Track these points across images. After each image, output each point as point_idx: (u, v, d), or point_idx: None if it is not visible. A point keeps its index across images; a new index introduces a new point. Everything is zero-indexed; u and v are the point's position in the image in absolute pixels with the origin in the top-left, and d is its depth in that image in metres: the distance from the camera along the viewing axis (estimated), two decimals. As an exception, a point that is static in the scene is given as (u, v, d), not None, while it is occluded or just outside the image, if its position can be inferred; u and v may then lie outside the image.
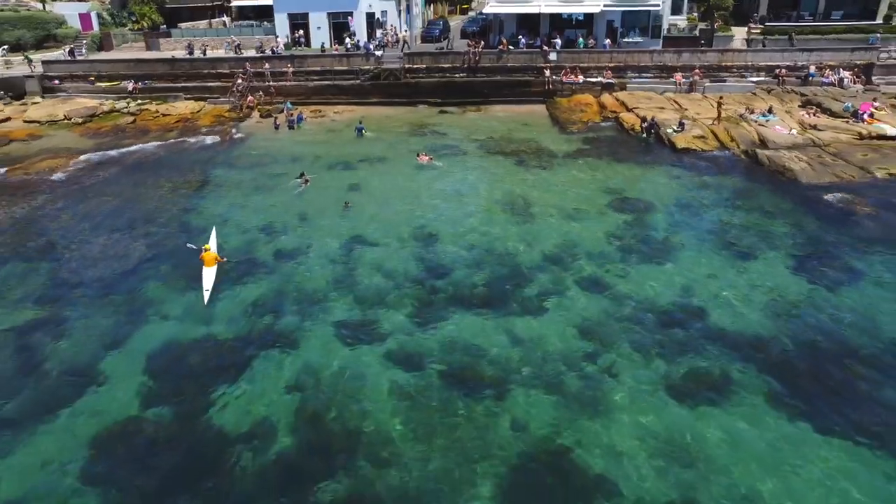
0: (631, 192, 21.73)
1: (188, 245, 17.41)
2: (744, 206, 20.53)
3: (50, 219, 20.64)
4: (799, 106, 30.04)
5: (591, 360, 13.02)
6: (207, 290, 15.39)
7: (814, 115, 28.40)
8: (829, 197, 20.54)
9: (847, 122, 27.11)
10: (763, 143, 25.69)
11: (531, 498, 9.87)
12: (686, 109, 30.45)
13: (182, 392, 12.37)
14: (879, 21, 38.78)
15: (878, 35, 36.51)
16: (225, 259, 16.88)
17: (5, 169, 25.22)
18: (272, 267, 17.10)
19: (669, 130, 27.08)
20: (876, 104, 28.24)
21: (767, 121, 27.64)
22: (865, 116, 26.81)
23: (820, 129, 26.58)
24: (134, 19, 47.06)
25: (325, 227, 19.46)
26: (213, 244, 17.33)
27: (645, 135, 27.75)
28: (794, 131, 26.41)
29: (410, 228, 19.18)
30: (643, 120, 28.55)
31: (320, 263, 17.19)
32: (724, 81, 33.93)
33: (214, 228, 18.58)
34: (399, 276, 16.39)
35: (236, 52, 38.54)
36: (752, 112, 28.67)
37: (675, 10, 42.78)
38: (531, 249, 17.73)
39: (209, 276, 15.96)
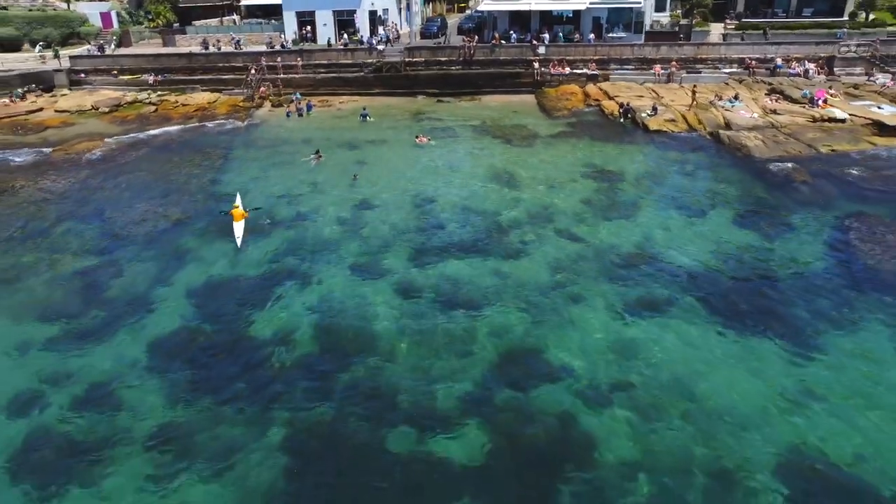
0: (605, 166, 24.65)
1: (221, 212, 20.26)
2: (702, 176, 23.47)
3: (94, 189, 23.57)
4: (765, 94, 32.91)
5: (560, 288, 15.91)
6: (239, 238, 18.35)
7: (776, 101, 31.28)
8: (775, 168, 23.47)
9: (804, 107, 30.02)
10: (727, 125, 28.61)
11: (506, 383, 12.70)
12: (662, 97, 33.35)
13: (221, 311, 15.27)
14: (846, 18, 41.62)
15: (845, 30, 39.42)
16: (250, 211, 19.80)
17: (50, 149, 28.18)
18: (291, 223, 20.02)
19: (643, 115, 30.00)
20: (831, 91, 31.19)
21: (733, 106, 30.56)
22: (820, 102, 29.71)
23: (779, 114, 29.50)
24: (150, 17, 50.02)
25: (335, 194, 22.38)
26: (239, 202, 20.24)
27: (622, 119, 30.68)
28: (755, 115, 29.34)
29: (409, 194, 22.12)
30: (621, 106, 31.48)
31: (332, 220, 20.11)
32: (700, 72, 36.82)
33: (238, 193, 21.48)
34: (399, 229, 19.33)
35: (235, 48, 41.48)
36: (720, 99, 31.61)
37: (659, 7, 45.58)
38: (514, 209, 20.67)
39: (239, 228, 18.91)
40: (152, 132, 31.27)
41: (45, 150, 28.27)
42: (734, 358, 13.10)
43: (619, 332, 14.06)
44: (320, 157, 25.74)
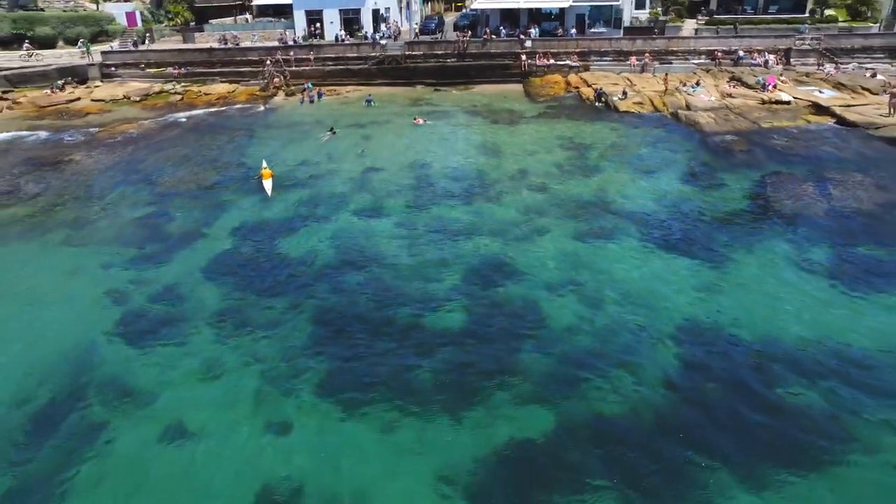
0: (576, 139, 28.79)
1: (252, 177, 24.38)
2: (658, 146, 27.60)
3: (139, 160, 27.75)
4: (727, 81, 37.04)
5: (527, 223, 20.01)
6: (269, 190, 22.54)
7: (733, 87, 35.42)
8: (720, 139, 27.61)
9: (756, 91, 34.14)
10: (688, 107, 32.72)
11: (482, 281, 16.70)
12: (635, 85, 37.47)
13: (257, 240, 19.34)
14: (807, 14, 45.73)
15: (807, 26, 43.54)
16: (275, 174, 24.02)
17: (96, 129, 32.45)
18: (310, 183, 24.19)
19: (615, 98, 34.16)
20: (782, 78, 35.35)
21: (695, 91, 34.70)
22: (770, 87, 33.85)
23: (734, 98, 33.63)
24: (169, 17, 54.31)
25: (346, 162, 26.54)
26: (265, 165, 24.42)
27: (597, 102, 34.85)
28: (713, 98, 33.50)
29: (407, 161, 26.29)
30: (596, 91, 35.64)
31: (343, 179, 24.28)
32: (671, 63, 40.93)
33: (264, 159, 25.61)
34: (398, 185, 23.49)
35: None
36: (685, 85, 35.74)
37: (639, 5, 49.82)
38: (495, 171, 24.82)
39: (268, 184, 23.10)
40: (181, 115, 35.53)
41: (91, 130, 32.52)
42: (661, 265, 17.17)
43: (572, 250, 18.14)
44: (335, 133, 29.97)
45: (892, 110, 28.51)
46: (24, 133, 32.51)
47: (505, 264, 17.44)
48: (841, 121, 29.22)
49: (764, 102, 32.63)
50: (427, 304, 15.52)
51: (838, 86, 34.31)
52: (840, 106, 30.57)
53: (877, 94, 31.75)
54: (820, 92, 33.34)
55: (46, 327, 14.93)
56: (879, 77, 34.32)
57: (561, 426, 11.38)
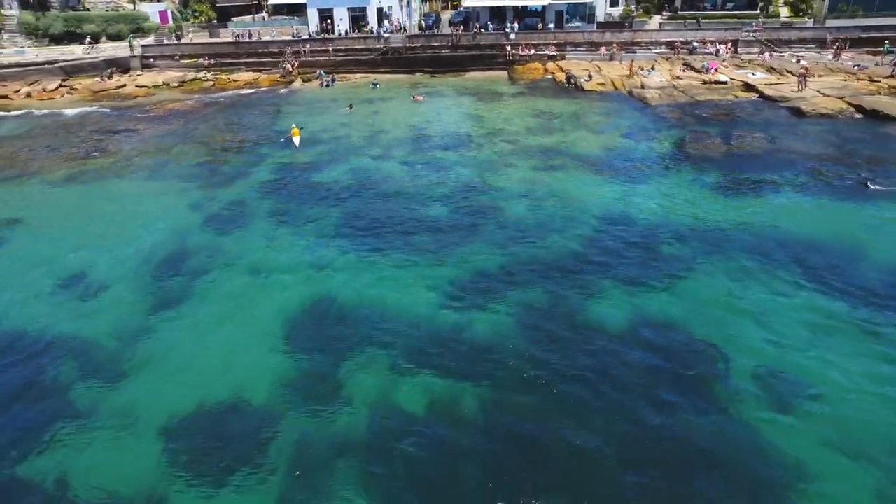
0: (545, 110, 35.55)
1: (284, 137, 31.18)
2: (610, 115, 34.34)
3: (192, 127, 34.59)
4: (680, 67, 43.75)
5: (499, 161, 26.74)
6: (297, 144, 29.37)
7: (683, 71, 42.16)
8: (660, 110, 34.36)
9: (701, 74, 40.85)
10: (642, 86, 39.43)
11: (462, 193, 23.33)
12: (603, 70, 44.16)
13: (291, 176, 26.02)
14: (758, 10, 52.44)
15: (761, 20, 50.25)
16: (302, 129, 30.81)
17: (149, 106, 39.33)
18: (329, 140, 30.97)
19: (581, 80, 40.90)
20: (724, 63, 42.06)
21: (650, 75, 41.43)
22: (711, 70, 40.57)
23: (682, 79, 40.36)
24: (195, 15, 61.22)
25: (358, 129, 33.29)
26: (294, 126, 31.22)
27: (567, 83, 41.59)
28: (664, 80, 40.20)
29: (407, 126, 33.09)
30: (567, 76, 42.41)
31: (356, 138, 31.09)
32: (635, 52, 47.66)
33: (294, 123, 32.35)
34: (401, 140, 30.31)
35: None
36: (643, 69, 42.48)
37: (613, 2, 56.57)
38: (476, 131, 31.62)
39: (297, 140, 29.91)
40: (217, 96, 42.43)
41: (145, 107, 39.42)
42: (591, 184, 23.81)
43: (530, 177, 24.84)
44: (352, 107, 36.79)
45: (800, 87, 35.21)
46: (91, 109, 39.47)
47: (479, 184, 24.26)
48: (762, 95, 35.94)
49: (705, 83, 39.32)
50: (421, 204, 22.30)
51: (770, 69, 41.02)
52: (764, 84, 37.29)
53: (796, 75, 38.40)
54: (753, 74, 40.06)
55: (153, 223, 21.68)
56: (802, 62, 40.97)
57: (503, 258, 18.00)
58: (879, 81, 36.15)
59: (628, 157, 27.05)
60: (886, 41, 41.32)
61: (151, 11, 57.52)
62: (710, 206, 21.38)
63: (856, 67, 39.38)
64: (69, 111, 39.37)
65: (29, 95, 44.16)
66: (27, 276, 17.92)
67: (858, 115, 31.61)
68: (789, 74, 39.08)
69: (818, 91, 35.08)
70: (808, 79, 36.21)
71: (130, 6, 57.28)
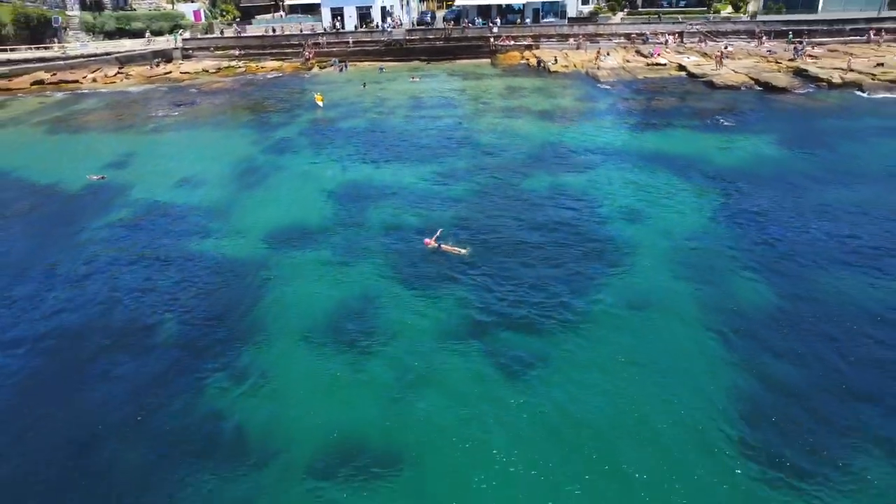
0: (517, 86, 45.24)
1: (309, 101, 40.89)
2: (567, 88, 44.03)
3: (236, 99, 44.38)
4: (632, 53, 53.42)
5: (476, 113, 36.35)
6: (321, 107, 39.15)
7: (634, 56, 51.84)
8: (606, 84, 44.02)
9: (646, 58, 50.52)
10: (597, 68, 49.08)
11: (447, 132, 32.91)
12: (569, 56, 53.83)
13: (316, 127, 35.70)
14: (705, 7, 62.13)
15: (710, 16, 59.96)
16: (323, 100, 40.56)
17: (196, 87, 49.15)
18: (347, 105, 40.69)
19: (549, 64, 50.61)
20: (667, 49, 51.75)
21: (606, 59, 51.13)
22: (654, 55, 50.26)
23: (630, 62, 50.05)
24: (223, 13, 71.12)
25: (368, 99, 43.02)
26: (319, 93, 40.96)
27: (538, 67, 51.33)
28: (615, 63, 49.89)
29: (408, 97, 42.80)
30: (537, 60, 52.18)
31: (368, 104, 40.83)
32: (598, 42, 57.35)
33: (317, 92, 42.04)
34: (401, 106, 40.03)
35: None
36: (598, 56, 52.19)
37: (585, 1, 66.36)
38: (462, 99, 41.37)
39: (321, 103, 39.68)
40: (250, 78, 52.27)
41: (194, 87, 49.26)
42: (542, 127, 33.39)
43: (497, 121, 34.46)
44: (365, 85, 46.61)
45: (717, 66, 44.90)
46: (150, 88, 49.46)
47: (458, 127, 34.07)
48: (689, 73, 45.59)
49: (648, 65, 49.02)
50: (415, 138, 32.02)
51: (703, 54, 50.69)
52: (692, 65, 46.97)
53: (714, 58, 48.07)
54: (688, 58, 49.75)
55: (229, 151, 31.27)
56: (729, 48, 50.65)
57: (468, 163, 27.52)
58: (781, 63, 45.82)
59: (569, 112, 36.75)
60: (790, 32, 51.05)
61: (187, 10, 67.37)
62: (618, 136, 31.10)
63: (768, 52, 49.09)
64: (133, 90, 49.30)
65: (94, 80, 53.95)
66: (154, 181, 27.58)
67: (757, 87, 41.25)
68: (717, 58, 48.70)
69: (733, 69, 44.76)
70: (725, 60, 45.91)
71: (169, 6, 67.16)
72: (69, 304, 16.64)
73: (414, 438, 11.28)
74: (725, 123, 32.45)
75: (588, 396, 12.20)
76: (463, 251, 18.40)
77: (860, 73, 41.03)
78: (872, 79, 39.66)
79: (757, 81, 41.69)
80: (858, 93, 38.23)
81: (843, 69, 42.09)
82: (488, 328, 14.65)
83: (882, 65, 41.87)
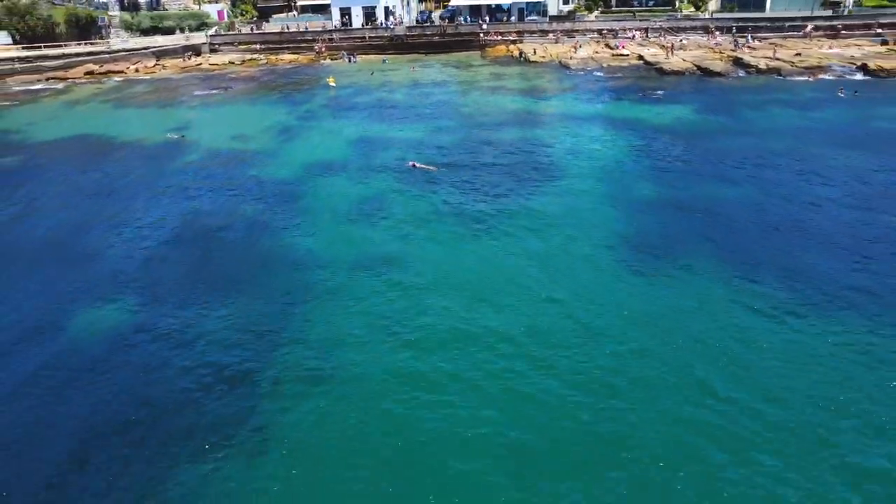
0: (501, 73, 53.96)
1: (323, 85, 49.62)
2: (541, 73, 52.75)
3: (264, 83, 53.13)
4: (602, 46, 62.14)
5: (465, 90, 45.07)
6: (333, 88, 47.95)
7: (602, 48, 60.56)
8: (575, 70, 52.73)
9: (612, 50, 59.24)
10: (570, 58, 57.76)
11: (442, 103, 41.55)
12: (548, 49, 62.55)
13: (332, 101, 44.39)
14: (672, 7, 70.88)
15: (678, 14, 68.70)
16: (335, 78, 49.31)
17: (227, 75, 57.94)
18: (357, 87, 49.42)
19: (528, 55, 59.33)
20: (632, 43, 60.51)
21: (578, 51, 59.87)
22: (619, 48, 58.99)
23: (598, 53, 58.78)
24: (242, 13, 79.95)
25: (375, 83, 51.76)
26: (331, 76, 49.75)
27: (519, 58, 60.08)
28: (585, 55, 58.62)
29: (408, 81, 51.55)
30: (519, 52, 60.95)
31: (374, 86, 49.58)
32: (574, 37, 66.08)
33: (331, 75, 50.74)
34: (402, 87, 48.79)
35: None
36: (573, 48, 60.94)
37: (565, 1, 75.15)
38: (455, 82, 50.12)
39: (332, 85, 48.48)
40: (272, 68, 61.04)
41: (225, 75, 58.03)
42: (517, 100, 42.06)
43: (480, 95, 43.10)
44: (373, 73, 55.40)
45: (668, 56, 53.63)
46: (188, 75, 58.40)
47: (449, 101, 42.76)
48: (646, 62, 54.28)
49: (614, 55, 57.74)
50: (414, 107, 40.65)
51: (662, 46, 59.39)
52: (650, 55, 55.69)
53: (665, 48, 56.73)
54: (647, 49, 58.47)
55: (265, 117, 39.90)
56: (684, 42, 59.37)
57: (456, 123, 36.18)
58: (724, 53, 54.56)
59: (539, 90, 45.49)
60: (734, 28, 59.83)
61: (212, 10, 76.22)
62: (575, 106, 39.79)
63: (716, 45, 57.84)
64: (173, 77, 58.18)
65: (136, 70, 62.72)
66: (214, 137, 36.13)
67: (698, 72, 49.92)
68: (668, 49, 57.49)
69: (682, 58, 53.49)
70: (677, 51, 54.67)
71: (196, 7, 75.99)
72: (178, 210, 25.31)
73: (404, 257, 19.81)
74: (662, 97, 41.18)
75: (519, 242, 20.65)
76: (433, 168, 27.20)
77: (783, 60, 49.75)
78: (791, 66, 48.37)
79: (699, 67, 50.38)
80: (777, 76, 46.97)
81: (770, 58, 50.81)
82: (447, 205, 23.27)
83: (799, 54, 50.57)
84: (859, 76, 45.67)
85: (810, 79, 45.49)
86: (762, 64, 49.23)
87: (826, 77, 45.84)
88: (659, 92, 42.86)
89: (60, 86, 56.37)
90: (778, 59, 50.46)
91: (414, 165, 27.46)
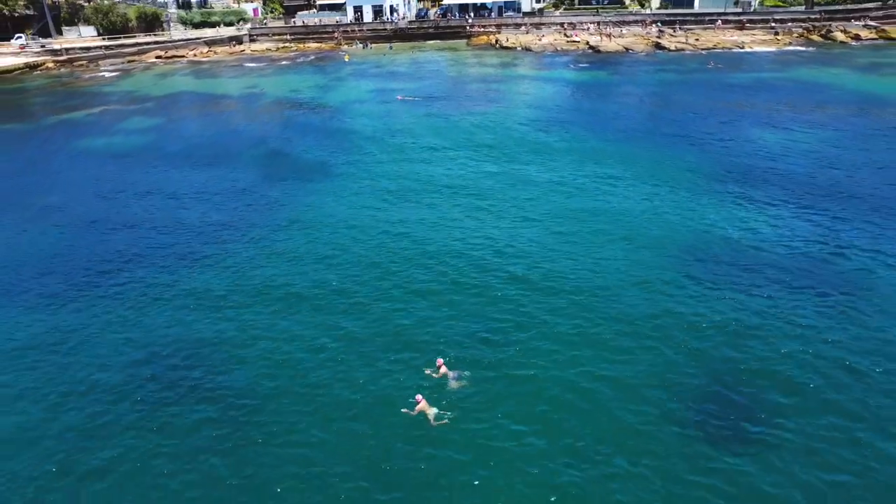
0: (481, 57, 71.72)
1: (342, 60, 67.40)
2: (511, 56, 70.45)
3: (298, 63, 71.03)
4: (562, 35, 79.78)
5: (453, 66, 62.77)
6: (348, 62, 65.78)
7: (561, 37, 78.24)
8: (536, 53, 70.40)
9: (568, 38, 76.90)
10: (534, 44, 75.38)
11: (434, 72, 59.15)
12: (520, 39, 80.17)
13: (349, 70, 62.14)
14: (623, 4, 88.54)
15: (632, 10, 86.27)
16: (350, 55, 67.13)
17: (268, 59, 75.81)
18: (370, 64, 67.20)
19: (503, 42, 77.05)
20: (585, 33, 78.26)
21: (542, 39, 77.58)
22: (573, 36, 76.66)
23: (557, 40, 76.48)
24: (271, 11, 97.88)
25: (383, 61, 69.52)
26: (347, 54, 67.59)
27: (496, 45, 77.83)
28: (547, 42, 76.31)
29: (409, 60, 69.32)
30: (496, 40, 78.78)
31: (383, 63, 67.33)
32: (541, 29, 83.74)
33: (346, 54, 68.48)
34: (404, 64, 66.58)
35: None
36: (539, 38, 78.60)
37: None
38: (445, 62, 67.87)
39: (347, 60, 66.31)
40: (302, 53, 78.94)
41: (267, 58, 75.86)
42: (486, 70, 59.69)
43: (462, 69, 60.80)
44: (386, 54, 73.26)
45: (602, 41, 71.34)
46: (237, 59, 76.26)
47: (439, 72, 60.59)
48: (590, 46, 71.94)
49: (568, 42, 75.42)
50: (414, 74, 58.40)
51: (606, 35, 77.01)
52: (594, 41, 73.33)
53: (603, 36, 74.26)
54: (594, 38, 76.07)
55: (307, 81, 57.73)
56: (623, 32, 77.02)
57: (444, 85, 53.78)
58: (650, 39, 72.23)
59: (506, 64, 63.14)
60: (659, 21, 77.54)
61: (248, 8, 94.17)
62: (529, 72, 57.42)
63: (647, 32, 75.50)
64: (225, 59, 76.02)
65: (194, 55, 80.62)
66: (277, 90, 53.77)
67: (625, 52, 67.54)
68: (608, 36, 75.07)
69: (616, 43, 71.16)
70: (615, 38, 72.40)
71: (236, 5, 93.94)
72: (276, 120, 43.04)
73: (401, 129, 37.38)
74: (588, 67, 58.76)
75: (466, 117, 38.19)
76: (412, 98, 45.12)
77: (689, 44, 67.44)
78: (693, 48, 66.01)
79: (626, 49, 68.05)
80: (680, 54, 64.65)
81: (683, 42, 68.45)
82: (428, 113, 40.91)
83: (698, 39, 68.28)
84: (738, 50, 63.52)
85: (703, 54, 63.24)
86: (672, 46, 66.97)
87: (711, 54, 63.60)
88: (586, 63, 60.62)
89: (141, 66, 74.31)
90: (687, 43, 68.14)
91: (401, 98, 45.22)
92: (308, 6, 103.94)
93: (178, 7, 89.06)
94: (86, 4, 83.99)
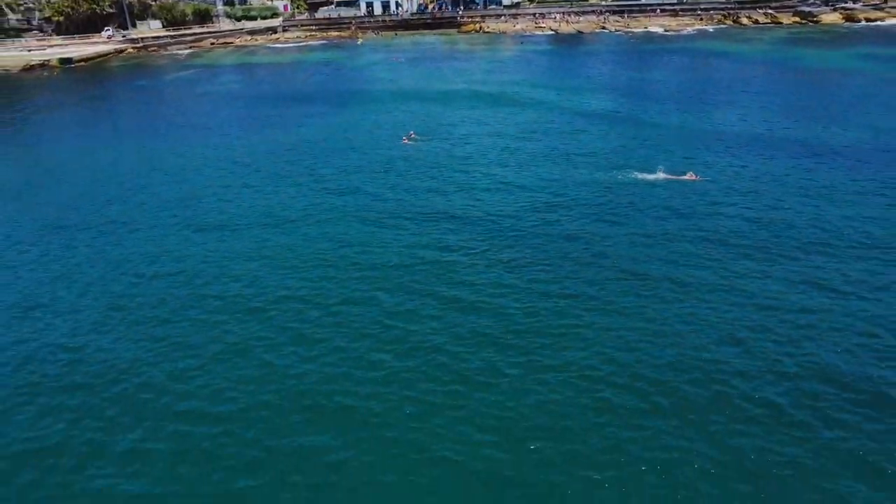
0: (471, 42, 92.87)
1: (358, 44, 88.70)
2: (491, 39, 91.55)
3: (325, 46, 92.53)
4: (534, 24, 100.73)
5: (446, 48, 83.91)
6: (360, 43, 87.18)
7: (532, 25, 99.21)
8: (510, 36, 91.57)
9: (537, 24, 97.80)
10: (510, 30, 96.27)
11: (430, 53, 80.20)
12: (500, 27, 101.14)
13: (362, 50, 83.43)
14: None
15: (589, 2, 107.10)
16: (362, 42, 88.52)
17: (300, 44, 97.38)
18: (377, 45, 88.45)
19: (486, 29, 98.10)
20: (551, 20, 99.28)
21: (517, 26, 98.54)
22: (542, 23, 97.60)
23: (528, 27, 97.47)
24: (298, 7, 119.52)
25: (390, 46, 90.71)
26: (361, 37, 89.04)
27: (480, 31, 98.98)
28: (521, 28, 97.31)
29: (412, 44, 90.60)
30: (480, 27, 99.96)
31: (391, 46, 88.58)
32: (517, 19, 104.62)
33: (360, 39, 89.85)
34: (407, 47, 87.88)
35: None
36: (515, 25, 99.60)
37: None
38: (437, 44, 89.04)
39: (359, 42, 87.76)
40: (326, 39, 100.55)
41: (299, 44, 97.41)
42: (473, 48, 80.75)
43: (453, 48, 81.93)
44: (392, 39, 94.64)
45: (560, 25, 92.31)
46: (275, 45, 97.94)
47: (434, 53, 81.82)
48: (552, 30, 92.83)
49: (536, 27, 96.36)
50: (414, 55, 79.67)
51: (566, 22, 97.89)
52: (555, 27, 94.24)
53: (572, 23, 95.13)
54: (557, 24, 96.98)
55: (332, 57, 78.98)
56: (580, 19, 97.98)
57: (440, 64, 74.82)
58: (598, 23, 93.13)
59: (488, 45, 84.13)
60: (608, 11, 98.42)
61: (279, 4, 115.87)
62: (504, 51, 78.48)
63: (599, 19, 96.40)
64: (266, 45, 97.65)
65: (241, 42, 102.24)
66: (310, 64, 75.13)
67: (551, 33, 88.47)
68: (567, 22, 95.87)
69: (573, 27, 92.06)
70: (571, 24, 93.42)
71: (269, 2, 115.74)
72: (318, 81, 64.55)
73: (395, 77, 58.51)
74: (545, 44, 79.78)
75: (450, 67, 59.22)
76: (401, 59, 66.74)
77: (626, 28, 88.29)
78: (625, 30, 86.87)
79: (579, 31, 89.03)
80: (619, 33, 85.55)
81: (623, 27, 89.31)
82: (405, 83, 62.14)
83: (629, 24, 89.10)
84: (657, 30, 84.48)
85: (627, 34, 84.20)
86: (612, 29, 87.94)
87: (638, 34, 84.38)
88: (546, 44, 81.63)
89: (202, 49, 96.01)
90: (625, 28, 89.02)
91: (397, 59, 66.77)
92: (328, 2, 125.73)
93: (224, 4, 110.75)
94: (153, 3, 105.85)
